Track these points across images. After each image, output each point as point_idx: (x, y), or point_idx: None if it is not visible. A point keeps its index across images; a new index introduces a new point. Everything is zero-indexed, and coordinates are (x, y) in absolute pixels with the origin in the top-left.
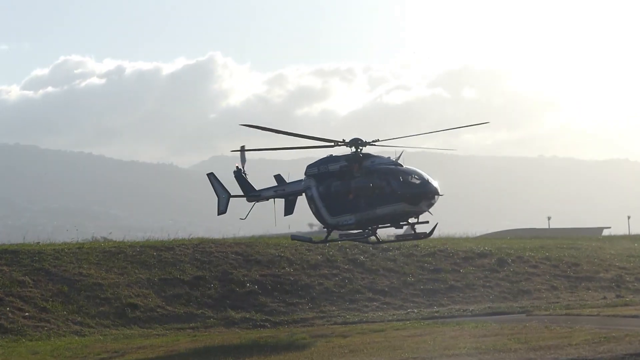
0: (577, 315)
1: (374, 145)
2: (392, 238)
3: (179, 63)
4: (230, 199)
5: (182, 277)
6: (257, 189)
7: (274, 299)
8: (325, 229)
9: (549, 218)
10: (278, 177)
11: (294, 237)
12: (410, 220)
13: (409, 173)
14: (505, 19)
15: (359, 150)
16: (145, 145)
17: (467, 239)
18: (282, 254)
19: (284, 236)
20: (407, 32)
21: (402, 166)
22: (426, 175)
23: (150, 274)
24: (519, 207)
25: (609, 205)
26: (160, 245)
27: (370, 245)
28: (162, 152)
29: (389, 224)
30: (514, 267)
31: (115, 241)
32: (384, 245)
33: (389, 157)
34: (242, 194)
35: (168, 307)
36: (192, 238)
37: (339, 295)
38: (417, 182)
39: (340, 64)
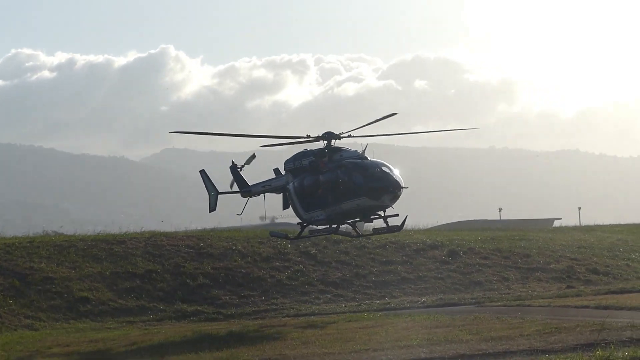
0: (529, 306)
1: (344, 138)
2: (371, 231)
3: (131, 56)
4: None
5: (133, 270)
6: (249, 185)
7: (226, 291)
8: (300, 225)
9: (500, 209)
10: (276, 171)
11: (272, 234)
12: (381, 214)
13: (371, 167)
14: (455, 9)
15: (330, 143)
16: (96, 138)
17: (418, 231)
18: (234, 247)
19: (235, 229)
20: (359, 24)
21: (366, 159)
22: (389, 168)
23: (101, 267)
24: (470, 199)
25: (560, 197)
26: (112, 239)
27: (353, 238)
28: (114, 145)
29: (358, 219)
30: (465, 258)
31: (67, 235)
32: (346, 238)
33: (356, 151)
34: (230, 191)
35: (120, 301)
36: (143, 231)
37: (291, 288)
38: (378, 175)
39: (292, 56)
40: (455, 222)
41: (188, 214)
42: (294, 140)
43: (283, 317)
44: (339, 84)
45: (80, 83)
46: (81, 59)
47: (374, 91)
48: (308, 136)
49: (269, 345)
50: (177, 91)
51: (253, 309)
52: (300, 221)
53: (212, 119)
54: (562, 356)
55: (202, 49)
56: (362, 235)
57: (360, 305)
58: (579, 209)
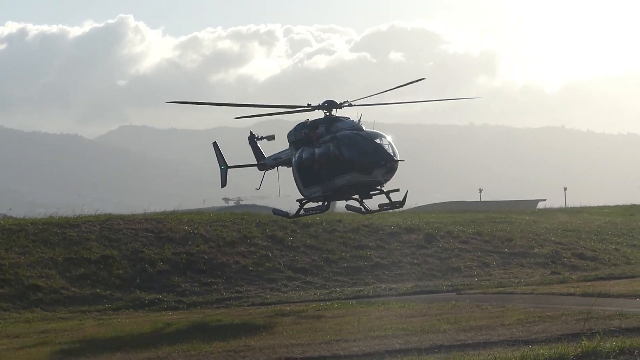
0: (510, 293)
1: (346, 107)
2: (377, 208)
3: (87, 26)
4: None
5: (88, 256)
6: (265, 157)
7: (187, 278)
8: (299, 202)
9: (480, 190)
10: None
11: (275, 212)
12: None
13: (362, 139)
14: None
15: (331, 113)
16: (49, 115)
17: (393, 214)
18: (196, 231)
19: (198, 212)
20: None
21: (362, 130)
22: (382, 140)
23: (53, 253)
24: (449, 179)
25: (544, 177)
26: (65, 223)
27: (362, 215)
28: (67, 122)
29: (356, 195)
30: (443, 243)
31: (16, 218)
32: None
33: (352, 120)
34: (239, 165)
35: (73, 289)
36: (99, 214)
37: (256, 274)
38: (368, 148)
39: (259, 27)
40: (433, 204)
41: (147, 196)
42: (294, 109)
43: (248, 305)
44: (309, 56)
45: (32, 55)
46: (33, 29)
47: (346, 64)
48: (309, 105)
49: (233, 336)
50: (135, 64)
51: (216, 297)
52: (300, 198)
53: (172, 93)
54: (545, 347)
55: (163, 19)
56: (371, 212)
57: (330, 292)
58: (565, 189)
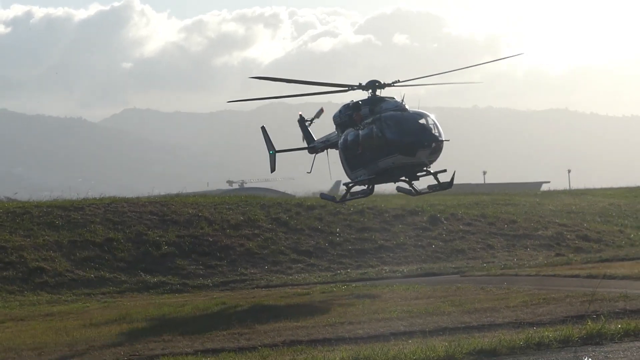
0: (515, 275)
1: (395, 86)
2: (426, 189)
3: (92, 9)
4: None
5: (92, 239)
6: (315, 140)
7: (192, 261)
8: (346, 186)
9: (484, 173)
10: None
11: (322, 196)
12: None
13: (404, 120)
14: None
15: (374, 94)
16: (52, 98)
17: (397, 196)
18: (200, 213)
19: (202, 194)
20: None
21: (405, 111)
22: (425, 120)
23: (58, 235)
24: (452, 162)
25: (548, 158)
26: (69, 205)
27: (412, 196)
28: (71, 106)
29: (404, 177)
30: (447, 225)
31: (21, 201)
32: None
33: (396, 100)
34: (287, 149)
35: (78, 271)
36: (103, 197)
37: (261, 257)
38: (411, 129)
39: (264, 9)
40: None
41: (151, 179)
42: (338, 89)
43: (252, 288)
44: (314, 38)
45: (37, 38)
46: (39, 11)
47: (351, 47)
48: (349, 86)
49: (237, 319)
50: (140, 47)
51: (221, 279)
52: (346, 181)
53: (177, 76)
54: (550, 329)
55: (169, 2)
56: (420, 193)
57: (335, 275)
58: (569, 171)
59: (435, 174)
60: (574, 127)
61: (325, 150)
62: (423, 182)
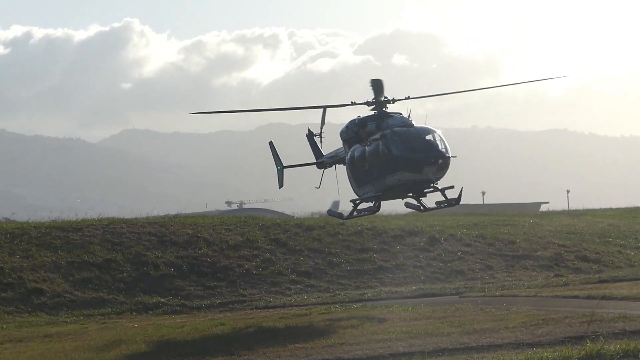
0: (514, 296)
1: (404, 99)
2: (435, 205)
3: (92, 30)
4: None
5: (91, 259)
6: (323, 155)
7: (191, 282)
8: (353, 202)
9: (483, 193)
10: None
11: (330, 213)
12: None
13: (410, 136)
14: None
15: (381, 110)
16: (51, 118)
17: (396, 217)
18: (199, 234)
19: (200, 215)
20: None
21: (412, 127)
22: (432, 136)
23: (57, 256)
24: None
25: (547, 179)
26: (68, 226)
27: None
28: (69, 126)
29: (411, 194)
30: (446, 245)
31: (19, 222)
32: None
33: (403, 116)
34: (295, 164)
35: (76, 292)
36: (102, 218)
37: (260, 278)
38: (417, 145)
39: (264, 30)
40: None
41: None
42: (343, 105)
43: (251, 309)
44: (313, 59)
45: (36, 58)
46: (39, 32)
47: (350, 67)
48: (353, 102)
49: (236, 339)
50: (139, 67)
51: (219, 300)
52: (354, 198)
53: (176, 97)
54: (550, 349)
55: (169, 23)
56: (429, 210)
57: (334, 296)
58: (568, 192)
59: (442, 190)
60: (573, 148)
61: (334, 166)
62: (431, 198)
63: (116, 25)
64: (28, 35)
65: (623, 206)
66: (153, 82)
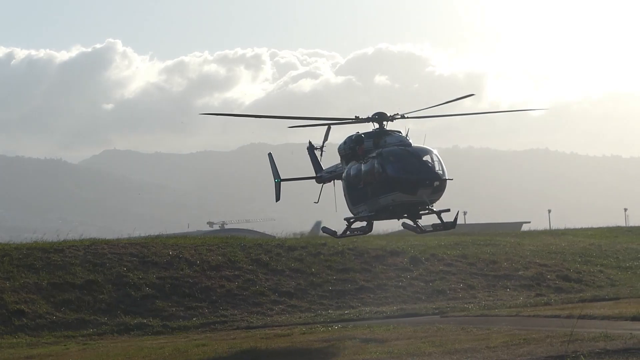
0: (495, 315)
1: (405, 118)
2: (430, 227)
3: (74, 51)
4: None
5: (72, 281)
6: (323, 169)
7: (172, 303)
8: (347, 221)
9: (464, 213)
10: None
11: (324, 230)
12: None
13: (406, 156)
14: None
15: (382, 126)
16: (32, 139)
17: (378, 237)
18: (181, 255)
19: (182, 236)
20: (317, 17)
21: (409, 146)
22: (430, 157)
23: (38, 278)
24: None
25: (528, 199)
26: (49, 247)
27: (417, 235)
28: (50, 147)
29: (406, 215)
30: (427, 265)
31: (0, 243)
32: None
33: (401, 135)
34: (292, 178)
35: (58, 314)
36: (83, 239)
37: (241, 298)
38: (413, 166)
39: (246, 51)
40: None
41: (131, 220)
42: (341, 122)
43: (233, 329)
44: (295, 79)
45: (17, 79)
46: (21, 53)
47: (332, 87)
48: (356, 117)
49: None
50: (121, 88)
51: (201, 321)
52: (348, 216)
53: (157, 117)
54: None
55: (152, 44)
56: (424, 232)
57: (316, 316)
58: (549, 211)
59: (438, 213)
60: (555, 167)
61: (333, 181)
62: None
63: (98, 46)
64: (10, 56)
65: (604, 225)
66: (135, 103)
